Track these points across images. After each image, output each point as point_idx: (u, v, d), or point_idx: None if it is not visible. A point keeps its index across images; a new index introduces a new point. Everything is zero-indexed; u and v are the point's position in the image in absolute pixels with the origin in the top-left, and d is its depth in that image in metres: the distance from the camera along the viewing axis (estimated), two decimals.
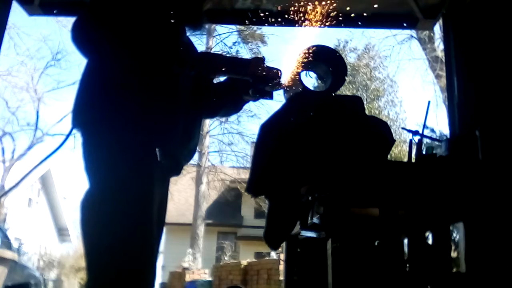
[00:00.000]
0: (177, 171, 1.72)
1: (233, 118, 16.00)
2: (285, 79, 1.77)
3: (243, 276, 9.36)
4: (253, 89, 1.70)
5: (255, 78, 1.66)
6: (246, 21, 3.82)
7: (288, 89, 2.07)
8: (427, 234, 2.15)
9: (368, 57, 17.83)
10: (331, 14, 3.41)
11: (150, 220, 1.48)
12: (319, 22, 3.32)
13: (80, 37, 1.52)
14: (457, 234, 3.34)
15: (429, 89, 30.41)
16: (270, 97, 1.72)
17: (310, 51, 2.13)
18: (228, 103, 1.88)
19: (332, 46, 2.33)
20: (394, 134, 2.23)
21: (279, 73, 1.69)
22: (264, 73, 1.66)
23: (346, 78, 2.21)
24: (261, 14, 3.32)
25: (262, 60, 1.67)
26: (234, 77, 1.71)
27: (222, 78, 1.84)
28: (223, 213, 20.27)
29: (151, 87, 1.54)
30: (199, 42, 15.92)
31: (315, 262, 2.05)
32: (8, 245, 7.06)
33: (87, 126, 1.53)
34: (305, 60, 2.13)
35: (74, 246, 24.96)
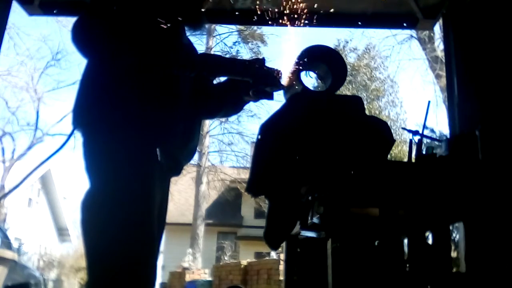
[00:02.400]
0: (177, 171, 1.72)
1: (233, 118, 16.01)
2: (285, 79, 1.78)
3: (243, 276, 9.36)
4: (254, 90, 1.70)
5: (256, 79, 1.66)
6: (246, 21, 3.82)
7: (288, 89, 2.07)
8: (427, 234, 2.15)
9: (369, 57, 17.83)
10: (331, 14, 3.42)
11: (150, 220, 1.48)
12: (319, 22, 3.31)
13: (80, 37, 1.52)
14: (457, 234, 3.34)
15: (429, 89, 30.44)
16: (271, 97, 1.72)
17: (310, 51, 2.13)
18: (228, 104, 1.88)
19: (332, 46, 2.33)
20: (394, 134, 2.23)
21: (279, 74, 1.69)
22: (264, 74, 1.66)
23: (346, 78, 2.21)
24: (261, 14, 3.32)
25: (262, 61, 1.68)
26: (234, 78, 1.71)
27: (222, 79, 1.84)
28: (223, 213, 20.27)
29: (151, 88, 1.54)
30: (199, 42, 15.94)
31: (315, 262, 2.05)
32: (8, 245, 7.06)
33: (88, 127, 1.53)
34: (305, 60, 2.13)
35: (74, 246, 24.98)
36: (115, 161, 1.48)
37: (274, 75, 1.67)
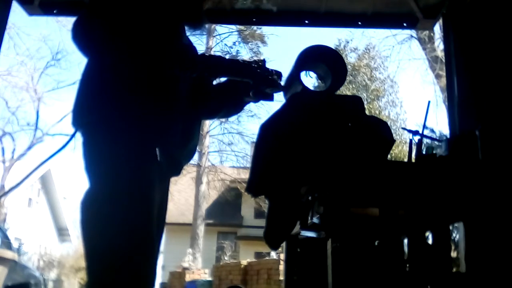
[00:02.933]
0: (177, 171, 1.72)
1: (233, 118, 16.01)
2: (285, 79, 1.78)
3: (243, 276, 9.36)
4: (254, 90, 1.70)
5: (256, 80, 1.66)
6: (246, 21, 3.82)
7: (288, 90, 2.07)
8: (427, 234, 2.15)
9: (369, 57, 17.84)
10: (331, 14, 3.41)
11: (150, 220, 1.48)
12: (319, 22, 3.31)
13: (81, 36, 1.51)
14: (457, 234, 3.34)
15: (429, 89, 30.46)
16: (271, 99, 1.72)
17: (310, 51, 2.13)
18: (228, 104, 1.88)
19: (332, 46, 2.33)
20: (394, 134, 2.22)
21: (280, 75, 1.69)
22: (264, 75, 1.66)
23: (346, 78, 2.21)
24: (261, 14, 3.32)
25: (263, 62, 1.68)
26: (235, 79, 1.71)
27: (222, 79, 1.84)
28: (223, 213, 20.28)
29: (151, 87, 1.54)
30: (199, 42, 15.94)
31: (315, 262, 2.05)
32: (8, 245, 7.06)
33: (88, 127, 1.53)
34: (305, 60, 2.13)
35: (74, 246, 24.99)
36: (115, 161, 1.47)
37: (274, 76, 1.67)
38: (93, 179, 1.49)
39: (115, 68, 1.53)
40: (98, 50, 1.54)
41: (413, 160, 2.11)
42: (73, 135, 1.57)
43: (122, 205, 1.44)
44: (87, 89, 1.55)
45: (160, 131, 1.54)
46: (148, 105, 1.53)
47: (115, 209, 1.43)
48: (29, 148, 18.43)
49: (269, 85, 1.68)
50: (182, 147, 1.66)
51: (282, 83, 1.72)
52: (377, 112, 16.24)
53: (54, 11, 3.42)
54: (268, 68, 1.67)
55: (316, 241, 2.05)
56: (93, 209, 1.46)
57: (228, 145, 17.32)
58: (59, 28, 21.97)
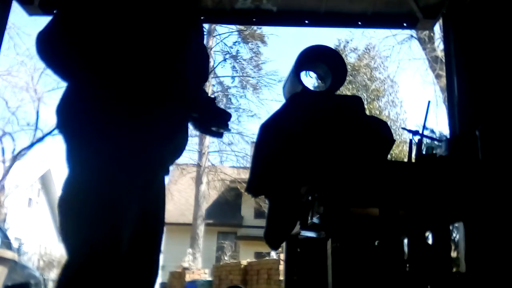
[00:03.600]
0: (163, 169, 1.67)
1: (233, 118, 15.99)
2: (285, 79, 1.77)
3: (243, 276, 9.36)
4: (199, 125, 1.68)
5: (202, 117, 1.64)
6: (246, 21, 3.82)
7: (288, 90, 2.07)
8: (427, 234, 2.15)
9: (369, 57, 17.84)
10: (331, 14, 3.41)
11: (116, 226, 1.41)
12: (319, 22, 3.31)
13: (46, 53, 1.44)
14: (457, 234, 3.34)
15: (429, 89, 30.50)
16: (219, 136, 1.70)
17: (310, 51, 2.13)
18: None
19: (332, 46, 2.33)
20: (394, 134, 2.23)
21: (229, 116, 1.67)
22: (212, 113, 1.64)
23: (346, 78, 2.21)
24: (261, 14, 3.33)
25: (213, 100, 1.66)
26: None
27: None
28: (223, 213, 20.27)
29: (135, 89, 1.49)
30: None
31: (315, 262, 2.05)
32: (8, 245, 7.06)
33: (66, 130, 1.49)
34: (305, 60, 2.13)
35: None
36: (88, 163, 1.44)
37: (221, 117, 1.65)
38: (66, 181, 1.47)
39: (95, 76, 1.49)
40: (68, 71, 1.48)
41: (413, 160, 2.11)
42: (52, 130, 1.54)
43: (89, 207, 1.40)
44: (69, 92, 1.51)
45: (138, 132, 1.48)
46: (133, 105, 1.48)
47: (81, 210, 1.40)
48: (29, 148, 18.43)
49: (215, 124, 1.66)
50: (165, 143, 1.59)
51: (229, 125, 1.69)
52: (377, 112, 16.22)
53: (54, 11, 3.42)
54: (217, 107, 1.66)
55: (316, 241, 2.05)
56: (62, 210, 1.44)
57: (228, 145, 17.32)
58: None
